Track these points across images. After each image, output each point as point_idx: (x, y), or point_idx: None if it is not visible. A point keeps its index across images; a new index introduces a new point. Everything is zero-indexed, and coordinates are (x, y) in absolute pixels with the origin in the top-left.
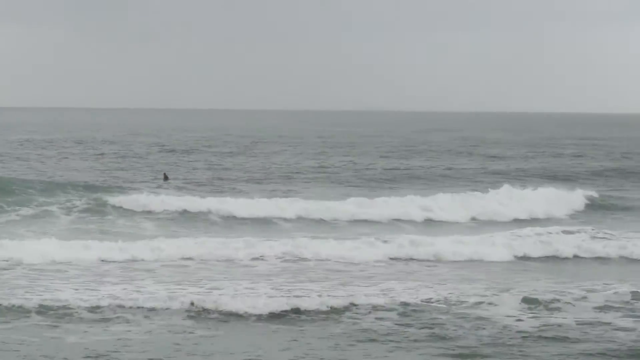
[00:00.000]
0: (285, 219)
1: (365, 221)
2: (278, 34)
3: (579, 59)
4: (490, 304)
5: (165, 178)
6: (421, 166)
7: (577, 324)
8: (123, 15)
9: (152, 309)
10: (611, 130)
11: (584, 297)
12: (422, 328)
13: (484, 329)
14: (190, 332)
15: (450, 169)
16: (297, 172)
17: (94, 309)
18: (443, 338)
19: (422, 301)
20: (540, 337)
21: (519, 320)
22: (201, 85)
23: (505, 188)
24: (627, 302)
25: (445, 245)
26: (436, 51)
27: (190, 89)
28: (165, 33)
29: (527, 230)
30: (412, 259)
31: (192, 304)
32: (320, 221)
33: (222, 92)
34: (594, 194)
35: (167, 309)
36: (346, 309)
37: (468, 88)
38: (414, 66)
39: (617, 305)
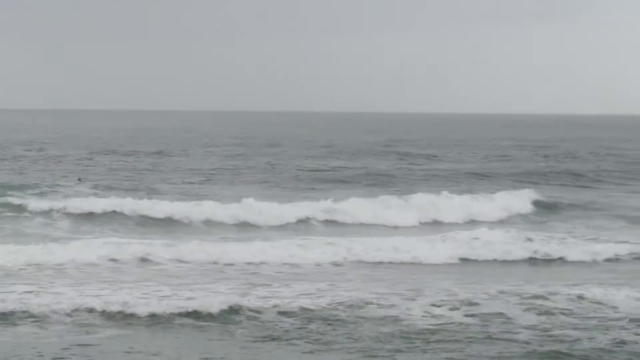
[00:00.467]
0: (201, 220)
1: (295, 223)
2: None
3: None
4: (399, 304)
5: (79, 180)
6: (341, 167)
7: (482, 322)
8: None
9: (58, 310)
10: (523, 130)
11: (494, 297)
12: (326, 328)
13: (386, 327)
14: (95, 333)
15: (370, 169)
16: (214, 173)
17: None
18: (348, 337)
19: (327, 302)
20: (443, 335)
21: (425, 319)
22: (113, 86)
23: (443, 193)
24: (537, 300)
25: (366, 247)
26: (330, 53)
27: (105, 89)
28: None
29: (454, 233)
30: (332, 261)
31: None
32: (242, 223)
33: (128, 92)
34: (535, 195)
35: (73, 310)
36: (251, 310)
37: (364, 89)
38: (310, 67)
39: (525, 303)
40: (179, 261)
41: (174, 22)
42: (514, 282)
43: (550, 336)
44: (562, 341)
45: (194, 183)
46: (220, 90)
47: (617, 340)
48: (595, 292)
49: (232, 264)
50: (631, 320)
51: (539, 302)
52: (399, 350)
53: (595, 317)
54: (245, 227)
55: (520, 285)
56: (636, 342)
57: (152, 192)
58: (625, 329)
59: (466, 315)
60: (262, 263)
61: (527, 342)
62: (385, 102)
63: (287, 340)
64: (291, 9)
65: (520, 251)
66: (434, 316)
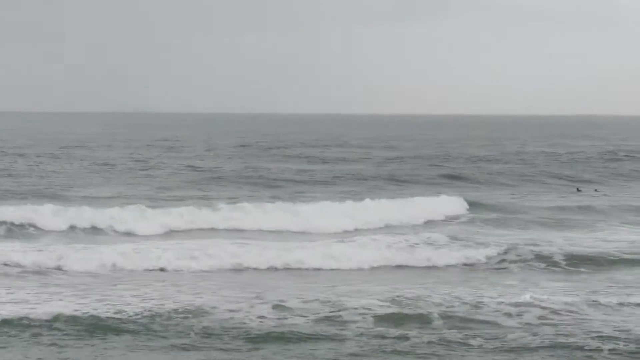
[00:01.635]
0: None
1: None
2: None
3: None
4: (240, 307)
5: None
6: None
7: (314, 324)
8: None
9: None
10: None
11: (331, 302)
12: (157, 330)
13: (206, 327)
14: None
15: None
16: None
17: None
18: (177, 337)
19: (161, 306)
20: (270, 336)
21: (261, 322)
22: None
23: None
24: (378, 302)
25: (222, 253)
26: (208, 53)
27: None
28: None
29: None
30: (179, 269)
31: None
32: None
33: None
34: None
35: None
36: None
37: (240, 89)
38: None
39: (364, 306)
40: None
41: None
42: (357, 285)
43: (376, 335)
44: (385, 337)
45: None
46: (61, 90)
47: (440, 337)
48: (420, 292)
49: (66, 269)
50: (446, 317)
51: (379, 304)
52: (210, 354)
53: (416, 316)
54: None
55: (367, 287)
56: (457, 341)
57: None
58: (443, 326)
59: (301, 318)
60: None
61: (345, 340)
62: (239, 103)
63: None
64: (132, 10)
65: (381, 257)
66: (271, 320)
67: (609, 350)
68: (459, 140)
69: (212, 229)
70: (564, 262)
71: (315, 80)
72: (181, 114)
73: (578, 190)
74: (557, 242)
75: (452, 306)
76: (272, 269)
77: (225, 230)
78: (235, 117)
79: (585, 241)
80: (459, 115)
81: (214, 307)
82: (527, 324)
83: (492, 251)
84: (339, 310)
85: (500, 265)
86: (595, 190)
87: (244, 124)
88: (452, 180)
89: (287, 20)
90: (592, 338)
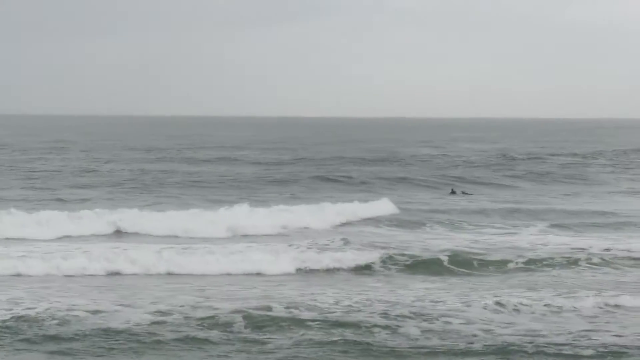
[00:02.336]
0: None
1: None
2: None
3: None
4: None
5: None
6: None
7: (183, 327)
8: None
9: None
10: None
11: (201, 305)
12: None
13: (75, 331)
14: None
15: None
16: None
17: None
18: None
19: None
20: (139, 339)
21: (131, 325)
22: None
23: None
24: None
25: (92, 256)
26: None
27: None
28: None
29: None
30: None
31: None
32: None
33: None
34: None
35: None
36: None
37: (108, 91)
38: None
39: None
40: None
41: None
42: (226, 287)
43: (244, 338)
44: (252, 340)
45: None
46: None
47: (306, 339)
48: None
49: None
50: (314, 319)
51: (248, 307)
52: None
53: (284, 319)
54: None
55: (237, 291)
56: (323, 342)
57: None
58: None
59: (173, 319)
60: None
61: (212, 342)
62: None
63: None
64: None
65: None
66: (144, 320)
67: (476, 351)
68: (339, 143)
69: (85, 234)
70: (432, 264)
71: (185, 82)
72: (39, 116)
73: (452, 192)
74: (429, 243)
75: (322, 308)
76: (145, 274)
77: (96, 235)
78: (102, 119)
79: (455, 242)
80: (332, 117)
81: (83, 311)
82: (394, 325)
83: (365, 254)
84: (208, 313)
85: (371, 267)
86: (463, 192)
87: (118, 126)
88: (329, 182)
89: (157, 23)
90: (459, 338)
